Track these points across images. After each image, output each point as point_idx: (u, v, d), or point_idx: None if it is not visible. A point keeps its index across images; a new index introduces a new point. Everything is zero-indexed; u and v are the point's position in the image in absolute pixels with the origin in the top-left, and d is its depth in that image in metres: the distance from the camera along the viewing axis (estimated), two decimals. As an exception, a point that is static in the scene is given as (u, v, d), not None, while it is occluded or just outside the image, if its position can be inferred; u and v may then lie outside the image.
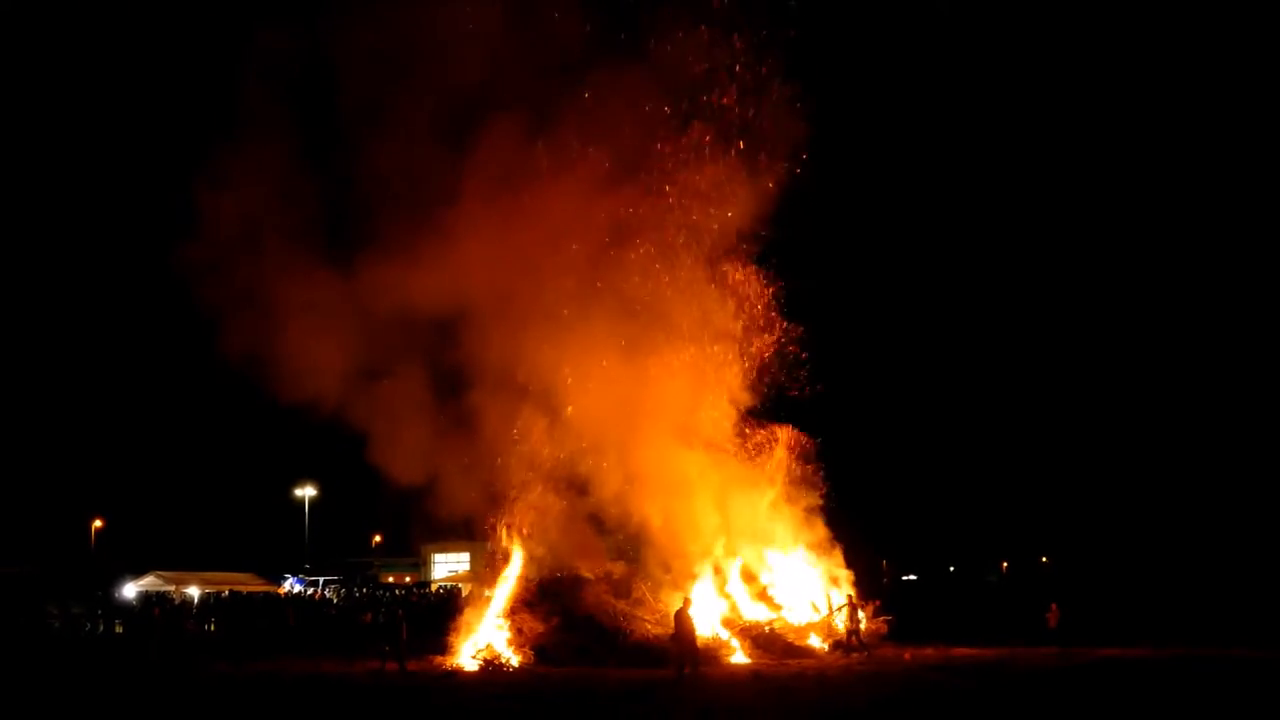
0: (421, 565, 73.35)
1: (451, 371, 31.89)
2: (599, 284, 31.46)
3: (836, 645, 30.37)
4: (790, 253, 33.02)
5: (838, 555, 33.21)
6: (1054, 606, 33.13)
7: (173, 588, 53.00)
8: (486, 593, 30.91)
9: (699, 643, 25.93)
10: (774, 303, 32.64)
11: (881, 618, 32.61)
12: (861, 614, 30.18)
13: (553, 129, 31.21)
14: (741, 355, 32.47)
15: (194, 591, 52.72)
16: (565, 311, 31.23)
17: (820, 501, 33.43)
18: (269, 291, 31.58)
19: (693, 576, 31.07)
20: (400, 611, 30.11)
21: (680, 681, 23.52)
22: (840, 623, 30.99)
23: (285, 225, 31.98)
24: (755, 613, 31.53)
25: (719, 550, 31.97)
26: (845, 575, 33.01)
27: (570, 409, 31.20)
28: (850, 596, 30.71)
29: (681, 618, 24.04)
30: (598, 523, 32.78)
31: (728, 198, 31.70)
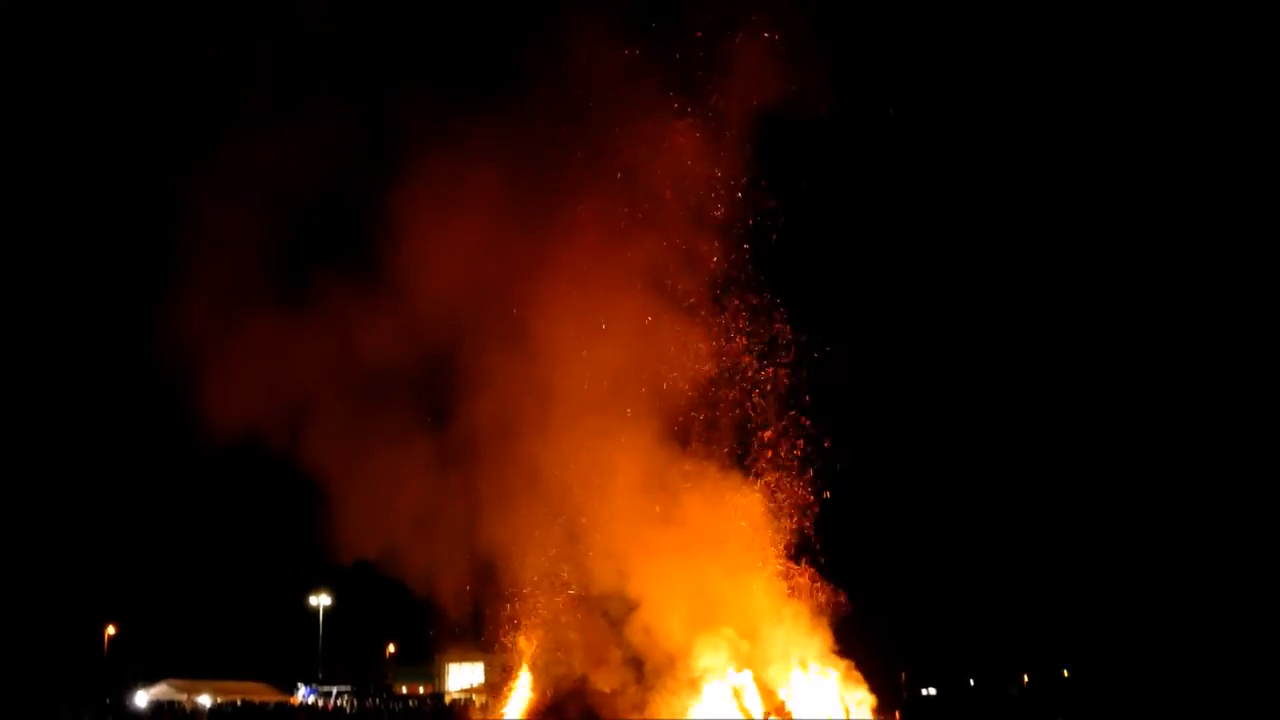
0: (436, 676, 72.59)
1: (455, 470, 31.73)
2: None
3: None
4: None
5: (854, 669, 32.93)
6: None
7: (185, 696, 52.75)
8: (501, 706, 30.79)
9: None
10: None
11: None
12: None
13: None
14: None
15: (206, 700, 52.47)
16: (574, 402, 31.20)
17: (837, 613, 33.32)
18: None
19: (714, 688, 30.93)
20: None
21: None
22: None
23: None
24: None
25: (735, 663, 31.80)
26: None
27: (583, 519, 31.34)
28: None
29: None
30: (611, 631, 32.66)
31: None
